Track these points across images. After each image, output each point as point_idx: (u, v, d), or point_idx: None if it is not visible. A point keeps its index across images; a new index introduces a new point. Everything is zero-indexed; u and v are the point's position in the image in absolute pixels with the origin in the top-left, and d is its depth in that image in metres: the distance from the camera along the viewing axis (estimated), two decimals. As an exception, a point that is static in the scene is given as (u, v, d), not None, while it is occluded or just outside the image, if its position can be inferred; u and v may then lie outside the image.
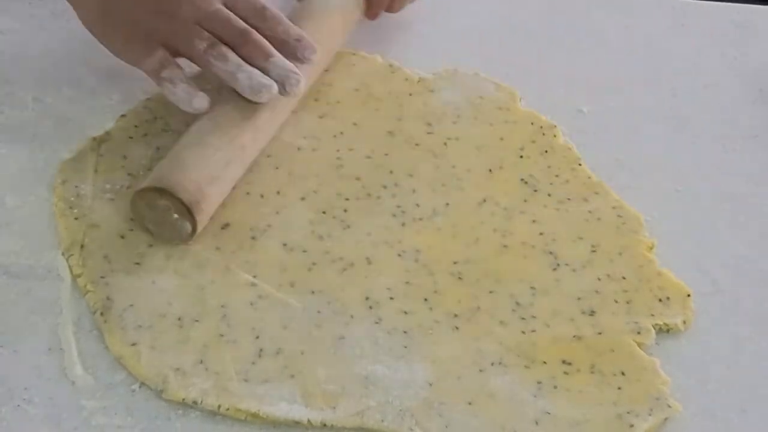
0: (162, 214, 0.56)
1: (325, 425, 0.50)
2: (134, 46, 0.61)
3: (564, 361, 0.53)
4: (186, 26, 0.60)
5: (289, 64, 0.60)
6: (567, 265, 0.57)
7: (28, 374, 0.51)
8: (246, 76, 0.59)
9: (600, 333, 0.54)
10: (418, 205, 0.60)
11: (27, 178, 0.60)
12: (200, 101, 0.59)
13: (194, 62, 0.61)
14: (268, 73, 0.59)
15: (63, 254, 0.56)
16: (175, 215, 0.56)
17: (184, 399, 0.50)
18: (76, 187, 0.60)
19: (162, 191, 0.55)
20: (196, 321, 0.53)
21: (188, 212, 0.56)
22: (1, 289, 0.54)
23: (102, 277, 0.55)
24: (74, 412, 0.49)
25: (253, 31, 0.60)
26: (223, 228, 0.58)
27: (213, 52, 0.59)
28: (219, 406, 0.50)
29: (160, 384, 0.50)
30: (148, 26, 0.60)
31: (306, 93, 0.64)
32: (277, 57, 0.60)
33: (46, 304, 0.54)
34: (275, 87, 0.59)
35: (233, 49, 0.60)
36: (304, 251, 0.58)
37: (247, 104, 0.60)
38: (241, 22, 0.61)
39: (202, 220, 0.57)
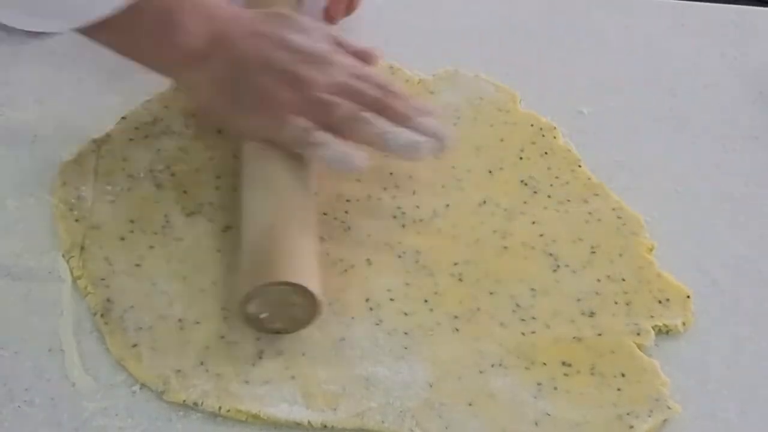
0: (284, 310, 0.53)
1: (325, 426, 0.50)
2: (266, 120, 0.58)
3: (564, 363, 0.53)
4: (323, 96, 0.58)
5: (432, 122, 0.59)
6: (567, 266, 0.58)
7: (28, 375, 0.51)
8: (395, 136, 0.57)
9: (600, 334, 0.54)
10: (418, 206, 0.61)
11: (28, 180, 0.60)
12: (361, 158, 0.57)
13: (333, 130, 0.58)
14: None
15: (63, 256, 0.57)
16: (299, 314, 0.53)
17: (185, 400, 0.50)
18: (77, 189, 0.60)
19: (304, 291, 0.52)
20: (197, 323, 0.54)
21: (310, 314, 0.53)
22: (1, 290, 0.55)
23: (102, 279, 0.55)
24: (75, 413, 0.50)
25: (388, 96, 0.59)
26: (224, 230, 0.58)
27: (355, 117, 0.58)
28: (220, 408, 0.50)
29: (161, 385, 0.51)
30: (281, 98, 0.58)
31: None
32: (418, 119, 0.59)
33: (46, 306, 0.54)
34: (429, 142, 0.58)
35: None
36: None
37: (299, 173, 0.58)
38: (374, 89, 0.59)
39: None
